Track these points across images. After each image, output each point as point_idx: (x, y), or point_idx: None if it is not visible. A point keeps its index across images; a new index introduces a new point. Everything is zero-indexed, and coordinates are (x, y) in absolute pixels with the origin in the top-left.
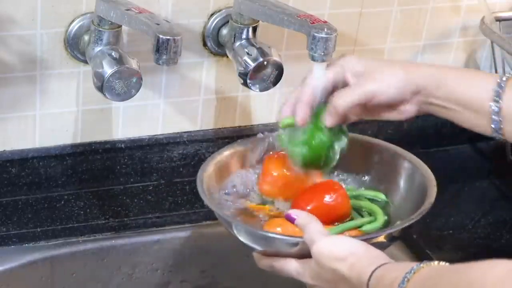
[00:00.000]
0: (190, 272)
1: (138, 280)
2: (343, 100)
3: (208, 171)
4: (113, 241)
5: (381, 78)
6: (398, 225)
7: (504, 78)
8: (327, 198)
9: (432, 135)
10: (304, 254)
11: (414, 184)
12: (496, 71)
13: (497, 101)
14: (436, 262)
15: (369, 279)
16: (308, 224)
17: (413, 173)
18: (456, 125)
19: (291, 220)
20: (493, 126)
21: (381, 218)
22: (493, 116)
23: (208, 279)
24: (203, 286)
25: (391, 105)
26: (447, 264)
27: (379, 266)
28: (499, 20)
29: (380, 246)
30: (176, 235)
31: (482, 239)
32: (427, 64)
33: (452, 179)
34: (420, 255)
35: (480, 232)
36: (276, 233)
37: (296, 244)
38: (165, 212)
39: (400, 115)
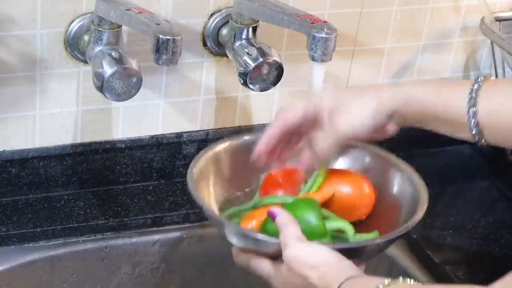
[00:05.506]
0: (190, 272)
1: (138, 280)
2: (322, 147)
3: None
4: (113, 241)
5: (354, 114)
6: (389, 236)
7: (475, 85)
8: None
9: (432, 135)
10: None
11: (405, 194)
12: (496, 71)
13: (472, 110)
14: (402, 280)
15: None
16: (286, 227)
17: (405, 183)
18: None
19: (272, 216)
20: (473, 132)
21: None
22: (472, 124)
23: (208, 279)
24: (203, 286)
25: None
26: (416, 283)
27: (347, 279)
28: (499, 20)
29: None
30: (176, 235)
31: (482, 239)
32: (398, 85)
33: (452, 179)
34: (420, 255)
35: (480, 232)
36: (253, 232)
37: (272, 244)
38: (165, 212)
39: (382, 135)
